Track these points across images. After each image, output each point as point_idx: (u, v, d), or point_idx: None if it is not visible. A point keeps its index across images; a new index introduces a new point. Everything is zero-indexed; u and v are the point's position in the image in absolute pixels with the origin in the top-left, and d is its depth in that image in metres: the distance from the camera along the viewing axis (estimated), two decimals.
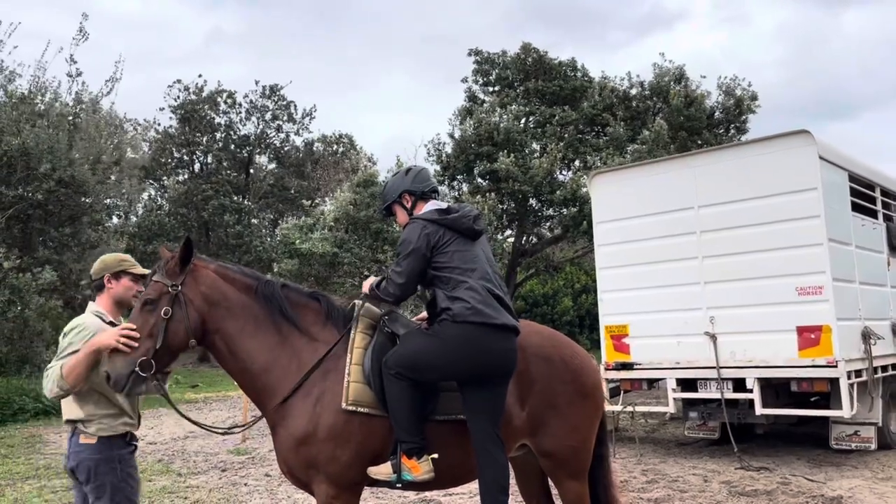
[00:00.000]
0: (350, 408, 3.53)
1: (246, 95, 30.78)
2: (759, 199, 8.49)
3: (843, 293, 8.26)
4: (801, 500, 7.00)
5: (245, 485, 8.30)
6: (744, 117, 17.76)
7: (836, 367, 7.90)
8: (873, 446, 8.77)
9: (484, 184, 17.43)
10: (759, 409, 8.39)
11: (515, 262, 18.61)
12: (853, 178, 9.08)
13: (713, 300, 8.78)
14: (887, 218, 10.08)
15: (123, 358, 3.57)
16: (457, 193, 18.65)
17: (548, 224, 19.06)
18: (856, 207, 9.10)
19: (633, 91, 18.62)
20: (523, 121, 18.64)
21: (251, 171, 31.59)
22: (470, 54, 20.14)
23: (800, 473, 8.09)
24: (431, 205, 3.83)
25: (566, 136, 17.65)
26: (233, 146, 31.03)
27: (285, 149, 32.69)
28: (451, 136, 18.01)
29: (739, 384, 8.57)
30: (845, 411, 7.93)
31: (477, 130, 17.03)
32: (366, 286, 3.85)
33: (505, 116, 16.90)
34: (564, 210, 17.11)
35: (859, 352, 8.42)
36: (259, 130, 31.53)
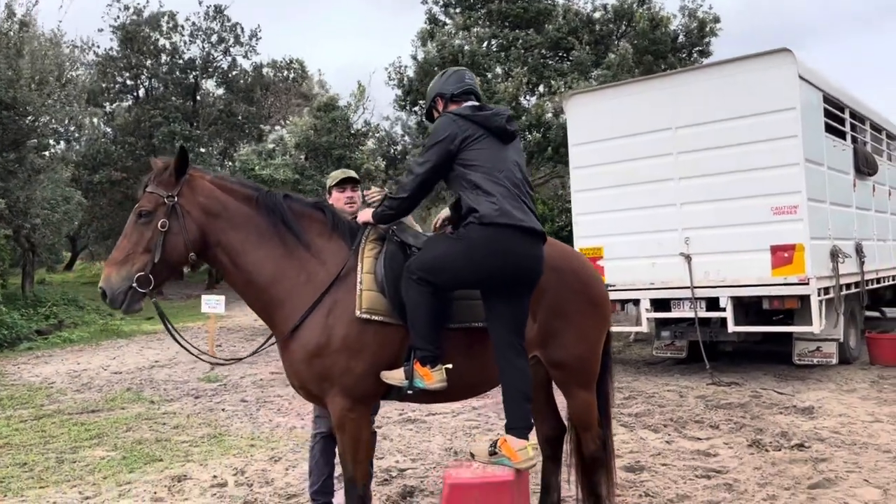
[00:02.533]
0: (364, 316, 3.40)
1: (187, 18, 29.40)
2: (737, 119, 8.48)
3: (816, 213, 8.41)
4: (775, 410, 7.23)
5: (223, 410, 8.20)
6: (707, 40, 17.68)
7: (807, 284, 8.09)
8: (834, 361, 9.12)
9: None
10: (731, 327, 8.59)
11: None
12: (826, 98, 9.14)
13: (688, 221, 8.84)
14: (853, 140, 10.23)
15: (119, 273, 3.37)
16: (419, 119, 18.27)
17: None
18: (827, 129, 9.19)
19: (597, 14, 18.31)
20: (486, 44, 18.20)
21: (198, 97, 30.39)
22: None
23: (769, 387, 8.37)
24: (466, 105, 3.63)
25: (530, 60, 17.31)
26: (178, 71, 29.72)
27: (233, 73, 31.44)
28: (414, 58, 17.51)
29: (712, 303, 8.74)
30: (815, 327, 8.17)
31: (440, 53, 16.57)
32: (363, 218, 3.67)
33: (469, 39, 16.44)
34: (528, 136, 16.94)
35: (828, 270, 8.64)
36: (205, 54, 30.23)
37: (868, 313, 11.52)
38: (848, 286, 9.34)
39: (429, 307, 3.35)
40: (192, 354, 3.86)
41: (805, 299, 8.16)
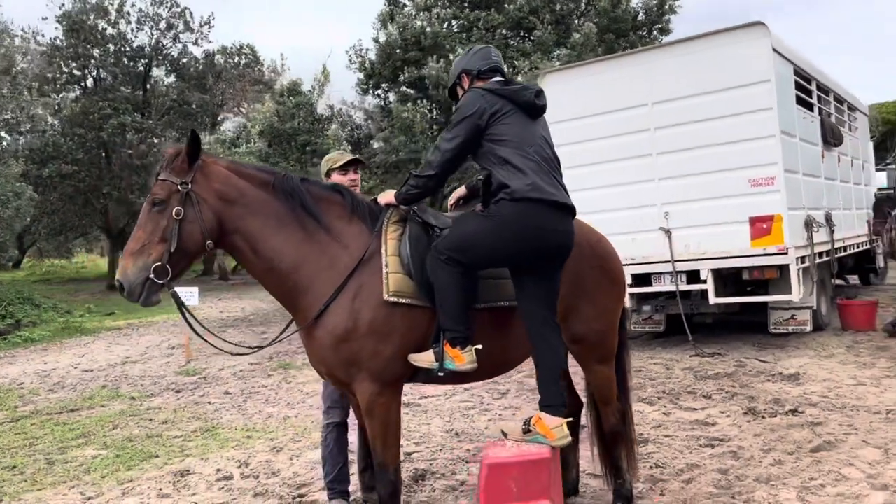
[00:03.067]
0: (392, 299, 3.33)
1: (133, 4, 28.48)
2: (712, 93, 8.56)
3: (792, 184, 8.57)
4: (762, 378, 7.39)
5: (209, 403, 8.03)
6: (666, 17, 17.84)
7: (786, 254, 8.25)
8: (809, 328, 9.34)
9: (411, 92, 16.91)
10: (712, 299, 8.72)
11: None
12: (796, 71, 9.30)
13: (667, 196, 8.93)
14: (820, 112, 10.44)
15: (136, 264, 3.25)
16: (382, 102, 18.09)
17: None
18: (797, 101, 9.35)
19: None
20: (447, 25, 18.06)
21: (148, 86, 29.55)
22: None
23: (751, 356, 8.55)
24: (492, 83, 3.56)
25: (493, 40, 17.23)
26: (126, 59, 28.84)
27: (184, 61, 30.64)
28: (376, 41, 17.27)
29: (693, 276, 8.86)
30: (794, 295, 8.35)
31: (402, 35, 16.38)
32: (386, 199, 3.59)
33: (430, 20, 16.29)
34: None
35: (803, 240, 8.83)
36: (154, 41, 29.39)
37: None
38: (820, 255, 9.57)
39: (459, 287, 3.30)
40: (216, 346, 3.76)
41: (784, 269, 8.32)
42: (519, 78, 16.72)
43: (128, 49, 28.83)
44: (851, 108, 12.75)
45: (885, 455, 4.90)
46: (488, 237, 3.28)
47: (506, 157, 3.30)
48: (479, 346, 3.37)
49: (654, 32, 17.97)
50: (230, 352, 3.98)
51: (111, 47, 28.15)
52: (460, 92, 3.67)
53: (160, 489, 5.01)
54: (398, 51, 16.56)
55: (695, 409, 6.40)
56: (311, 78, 18.56)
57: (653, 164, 8.99)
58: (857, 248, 12.15)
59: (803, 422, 5.77)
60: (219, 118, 32.32)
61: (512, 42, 18.19)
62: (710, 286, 8.67)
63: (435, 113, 16.93)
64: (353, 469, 4.61)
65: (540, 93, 3.51)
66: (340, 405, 4.46)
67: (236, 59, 32.96)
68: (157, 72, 30.73)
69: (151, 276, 3.25)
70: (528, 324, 3.39)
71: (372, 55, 17.67)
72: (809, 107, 9.99)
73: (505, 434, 3.47)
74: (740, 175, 8.42)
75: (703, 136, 8.62)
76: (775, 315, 9.45)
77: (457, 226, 3.39)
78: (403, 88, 17.16)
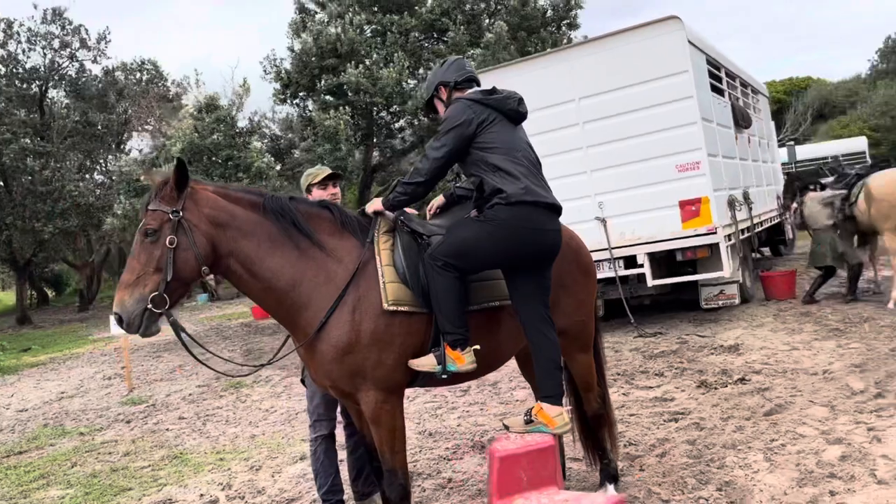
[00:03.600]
0: (392, 308, 3.44)
1: (22, 24, 27.16)
2: (635, 85, 8.98)
3: (714, 167, 9.08)
4: (706, 352, 7.83)
5: (167, 430, 7.86)
6: (573, 13, 18.41)
7: (715, 233, 8.75)
8: (737, 301, 9.92)
9: (331, 99, 16.85)
10: (650, 282, 9.15)
11: (369, 178, 18.39)
12: (708, 60, 9.84)
13: (600, 186, 9.30)
14: (730, 97, 11.07)
15: (133, 296, 3.25)
16: (302, 111, 17.93)
17: (400, 136, 18.93)
18: (711, 88, 9.90)
19: None
20: (360, 31, 18.07)
21: (46, 108, 28.24)
22: None
23: (690, 332, 9.02)
24: (470, 92, 3.70)
25: (407, 44, 17.37)
26: (19, 81, 27.47)
27: (82, 80, 29.43)
28: (291, 49, 17.10)
29: (630, 261, 9.26)
30: (726, 272, 8.86)
31: (317, 43, 16.30)
32: (373, 207, 3.70)
33: (347, 27, 16.27)
34: (416, 121, 17.05)
35: (728, 218, 9.37)
36: (48, 61, 28.10)
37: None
38: (742, 231, 10.17)
39: (456, 291, 3.44)
40: (218, 372, 3.77)
41: (714, 247, 8.82)
42: None
43: (20, 71, 27.48)
44: (754, 91, 13.55)
45: (832, 412, 5.33)
46: (487, 241, 3.43)
47: (497, 164, 3.46)
48: (477, 347, 3.52)
49: (563, 28, 18.51)
50: (236, 375, 4.00)
51: (1, 69, 26.77)
52: (438, 103, 3.81)
53: None
54: (314, 59, 16.47)
55: (651, 388, 6.75)
56: (226, 91, 18.15)
57: (584, 157, 9.35)
58: (770, 222, 12.93)
59: (752, 389, 6.19)
60: (124, 137, 31.24)
61: (426, 44, 18.39)
62: (646, 270, 9.09)
63: (357, 119, 16.93)
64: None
65: (521, 100, 3.69)
66: (327, 417, 4.52)
67: (138, 74, 31.94)
68: (54, 93, 29.47)
69: (149, 306, 3.27)
70: (525, 320, 3.56)
71: (287, 64, 17.51)
72: (721, 93, 10.58)
73: (508, 427, 3.63)
74: (667, 162, 8.87)
75: (630, 127, 9.03)
76: (706, 291, 9.98)
77: (453, 232, 3.52)
78: (323, 96, 17.08)
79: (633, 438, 5.35)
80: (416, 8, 18.33)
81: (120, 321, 3.28)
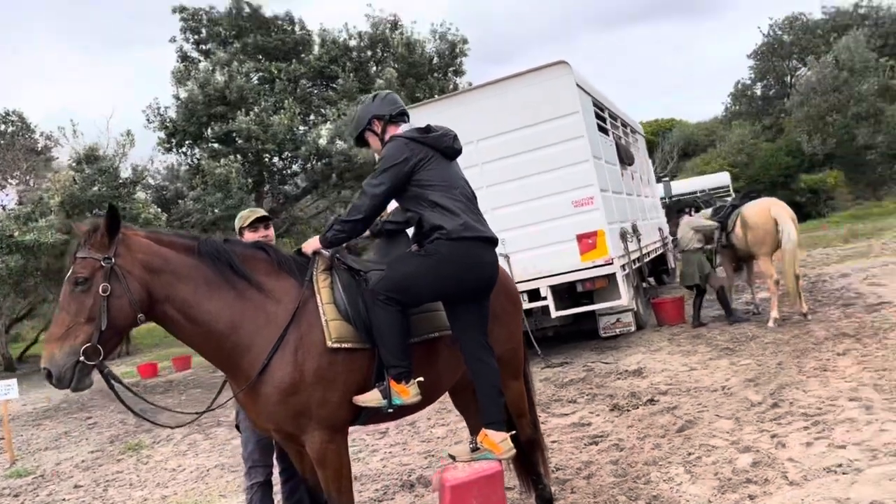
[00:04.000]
0: (335, 345, 3.44)
1: None
2: (529, 127, 9.40)
3: (607, 202, 9.59)
4: (612, 377, 8.16)
5: (63, 500, 7.33)
6: (458, 60, 19.04)
7: (612, 264, 9.20)
8: (633, 328, 10.43)
9: (220, 147, 16.54)
10: (553, 313, 9.47)
11: None
12: (594, 102, 10.45)
13: (502, 224, 9.53)
14: (614, 136, 11.76)
15: (63, 349, 3.11)
16: (189, 161, 17.49)
17: (293, 181, 18.75)
18: (598, 128, 10.49)
19: (353, 42, 18.86)
20: (245, 78, 17.93)
21: None
22: (175, 11, 18.66)
23: (594, 360, 9.37)
24: (404, 127, 3.78)
25: (297, 91, 17.38)
26: None
27: None
28: (176, 97, 16.70)
29: (534, 294, 9.56)
30: (624, 300, 9.32)
31: (204, 91, 16.02)
32: (311, 246, 3.71)
33: (235, 74, 16.11)
34: (309, 166, 16.98)
35: (622, 250, 9.88)
36: None
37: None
38: (633, 262, 10.74)
39: (399, 325, 3.49)
40: (156, 424, 3.61)
41: (612, 277, 9.27)
42: (328, 125, 17.03)
43: None
44: (633, 130, 14.45)
45: (737, 423, 5.70)
46: (429, 275, 3.51)
47: (436, 201, 3.56)
48: (421, 379, 3.57)
49: (450, 74, 19.10)
50: (177, 426, 3.84)
51: None
52: (369, 136, 3.88)
53: None
54: (201, 106, 16.17)
55: (566, 414, 6.96)
56: (102, 141, 17.37)
57: (485, 196, 9.54)
58: (656, 252, 13.70)
59: (662, 408, 6.51)
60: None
61: (316, 91, 18.46)
62: (550, 302, 9.42)
63: (248, 166, 16.69)
64: None
65: (456, 137, 3.82)
66: (262, 464, 4.41)
67: (2, 126, 30.12)
68: None
69: (82, 358, 3.13)
70: (466, 349, 3.65)
71: (172, 112, 17.08)
72: (605, 132, 11.22)
73: (453, 457, 3.68)
74: (563, 198, 9.29)
75: (526, 166, 9.41)
76: (603, 320, 10.43)
77: (394, 267, 3.57)
78: (211, 144, 16.75)
79: (559, 463, 5.49)
80: (304, 56, 18.42)
81: (49, 376, 3.12)
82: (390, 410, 3.50)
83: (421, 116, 9.96)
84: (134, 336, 30.59)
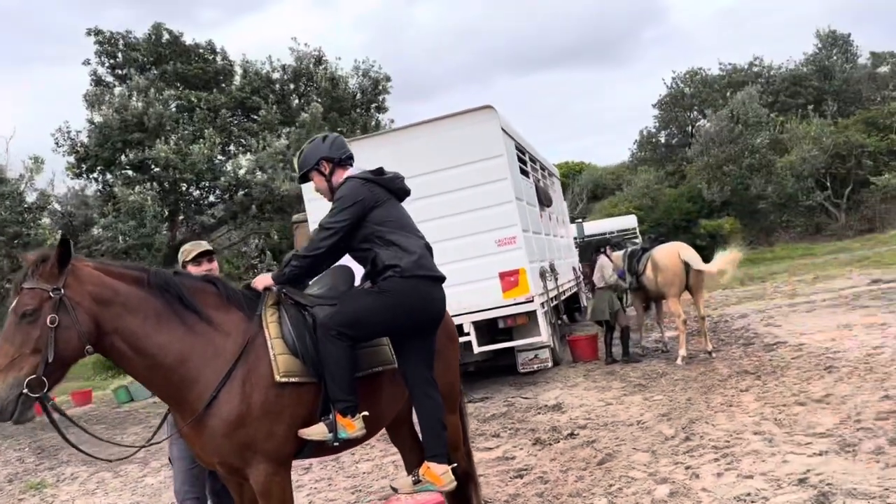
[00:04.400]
0: (283, 379, 3.50)
1: None
2: (456, 167, 9.69)
3: (528, 241, 9.95)
4: (532, 413, 8.40)
5: None
6: (381, 97, 19.32)
7: (532, 301, 9.53)
8: (550, 364, 10.76)
9: (134, 174, 16.11)
10: (476, 349, 9.69)
11: (174, 254, 17.52)
12: (517, 146, 10.87)
13: None
14: (533, 178, 12.23)
15: (5, 381, 3.07)
16: (100, 187, 16.93)
17: (210, 212, 18.39)
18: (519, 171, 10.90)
19: (276, 75, 18.86)
20: (163, 105, 17.61)
21: None
22: (89, 34, 18.17)
23: (515, 395, 9.61)
24: (351, 171, 3.91)
25: (216, 120, 17.19)
26: None
27: None
28: (91, 122, 16.21)
29: (458, 329, 9.73)
30: (544, 337, 9.65)
31: (121, 115, 15.63)
32: (262, 282, 3.77)
33: (154, 101, 15.80)
34: (227, 195, 16.74)
35: (541, 288, 10.24)
36: None
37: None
38: (551, 299, 11.12)
39: (348, 360, 3.59)
40: (98, 459, 3.54)
41: (532, 314, 9.59)
42: (248, 155, 16.90)
43: None
44: (550, 173, 15.03)
45: (654, 456, 6.01)
46: (381, 311, 3.64)
47: (391, 240, 3.71)
48: (367, 413, 3.67)
49: (373, 111, 19.34)
50: (108, 459, 3.77)
51: None
52: (315, 176, 3.99)
53: None
54: (117, 132, 15.77)
55: (490, 448, 7.13)
56: (2, 161, 16.57)
57: None
58: (570, 291, 14.20)
59: (582, 442, 6.77)
60: None
61: (236, 121, 18.31)
62: (472, 337, 9.63)
63: (163, 195, 16.31)
64: None
65: (403, 179, 3.99)
66: (193, 495, 4.37)
67: None
68: None
69: (25, 390, 3.08)
70: (412, 383, 3.77)
71: (84, 137, 16.56)
72: (526, 174, 11.66)
73: (395, 490, 3.78)
74: (487, 237, 9.58)
75: (452, 205, 9.66)
76: (522, 356, 10.72)
77: (346, 303, 3.68)
78: (125, 171, 16.30)
79: (487, 496, 5.63)
80: (225, 86, 18.28)
81: None
82: (336, 444, 3.58)
83: (352, 151, 10.12)
84: None
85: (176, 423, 3.63)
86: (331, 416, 3.58)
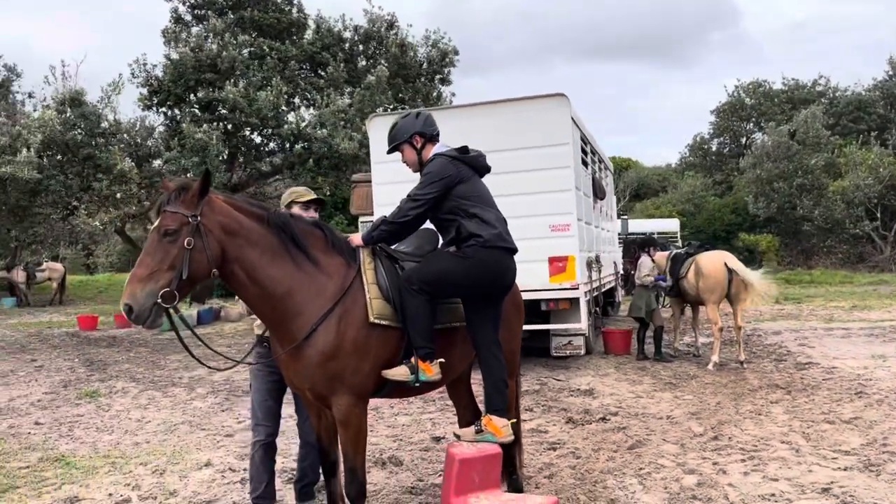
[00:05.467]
0: (375, 321, 3.89)
1: None
2: (521, 149, 9.93)
3: (580, 230, 10.21)
4: (565, 394, 8.75)
5: (30, 434, 7.48)
6: (447, 70, 19.52)
7: (577, 289, 9.82)
8: (582, 352, 11.05)
9: (201, 114, 16.59)
10: None
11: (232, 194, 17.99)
12: (581, 136, 11.08)
13: None
14: (591, 170, 12.44)
15: (144, 290, 3.47)
16: (169, 122, 17.46)
17: (268, 159, 18.87)
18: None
19: (347, 34, 19.16)
20: (237, 50, 18.02)
21: None
22: None
23: (546, 376, 9.96)
24: (439, 146, 4.27)
25: (285, 71, 17.56)
26: None
27: None
28: (168, 58, 16.69)
29: None
30: (583, 324, 9.95)
31: (196, 56, 16.08)
32: (355, 241, 4.13)
33: (228, 45, 16.21)
34: (287, 145, 17.18)
35: (587, 277, 10.51)
36: None
37: None
38: (593, 290, 11.40)
39: (427, 312, 3.97)
40: (209, 367, 3.95)
41: (575, 301, 9.89)
42: (311, 110, 17.28)
43: None
44: (606, 167, 15.20)
45: (682, 449, 6.32)
46: (460, 274, 4.01)
47: (474, 213, 4.09)
48: (443, 360, 4.04)
49: (436, 81, 19.55)
50: (216, 368, 4.19)
51: None
52: (406, 148, 4.35)
53: None
54: (191, 70, 16.22)
55: (525, 420, 7.48)
56: (71, 85, 17.06)
57: None
58: (609, 284, 14.45)
59: (613, 427, 7.11)
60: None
61: (304, 75, 18.67)
62: None
63: (226, 137, 16.77)
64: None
65: (485, 157, 4.34)
66: (264, 423, 4.75)
67: None
68: None
69: (159, 300, 3.48)
70: (479, 343, 4.15)
71: (158, 72, 17.05)
72: (586, 165, 11.88)
73: (458, 437, 4.16)
74: (542, 221, 9.85)
75: (513, 185, 9.90)
76: (556, 340, 11.02)
77: (431, 262, 4.06)
78: (193, 109, 16.78)
79: (521, 462, 6.00)
80: (297, 38, 18.62)
81: (129, 312, 3.46)
82: (417, 385, 3.97)
83: None
84: (69, 287, 29.97)
85: (273, 349, 4.04)
86: (412, 360, 3.95)
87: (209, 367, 4.15)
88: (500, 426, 4.10)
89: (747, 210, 34.60)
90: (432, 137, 4.33)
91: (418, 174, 4.29)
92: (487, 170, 4.36)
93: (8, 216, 14.53)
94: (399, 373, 3.94)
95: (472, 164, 4.23)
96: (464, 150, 4.29)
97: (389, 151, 4.55)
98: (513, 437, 4.20)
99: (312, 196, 4.81)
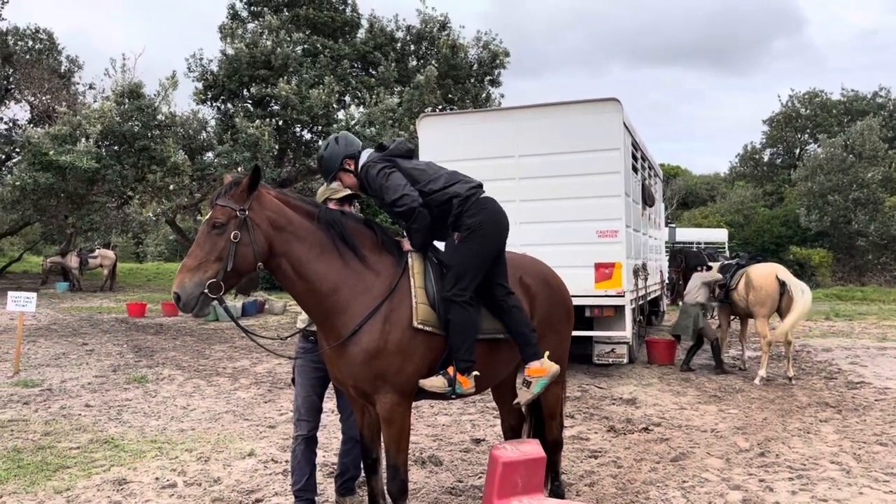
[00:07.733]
0: (419, 326, 3.89)
1: None
2: (571, 153, 9.87)
3: (628, 237, 10.09)
4: (607, 402, 8.65)
5: (81, 415, 7.68)
6: (497, 71, 19.49)
7: (623, 296, 9.70)
8: (625, 361, 10.91)
9: (254, 109, 16.86)
10: None
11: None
12: (633, 142, 10.95)
13: (526, 239, 10.02)
14: (641, 176, 12.28)
15: (192, 279, 3.53)
16: (222, 116, 17.77)
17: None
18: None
19: (399, 34, 19.27)
20: (291, 48, 18.26)
21: None
22: None
23: (588, 383, 9.87)
24: (364, 156, 4.29)
25: (338, 70, 17.74)
26: None
27: None
28: (223, 53, 17.00)
29: None
30: (627, 332, 9.82)
31: (251, 51, 16.35)
32: (407, 246, 4.18)
33: (283, 42, 16.44)
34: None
35: (633, 285, 10.38)
36: None
37: None
38: (638, 298, 11.25)
39: (474, 324, 3.96)
40: (267, 350, 4.00)
41: (620, 309, 9.77)
42: (361, 108, 17.41)
43: None
44: (655, 174, 14.99)
45: (727, 463, 6.20)
46: (474, 252, 4.09)
47: (434, 187, 4.20)
48: (478, 374, 4.02)
49: (486, 83, 19.53)
50: (274, 352, 4.25)
51: None
52: (344, 175, 4.36)
53: (109, 497, 4.97)
54: (246, 66, 16.49)
55: (566, 427, 7.41)
56: (116, 77, 17.40)
57: (516, 210, 10.02)
58: (654, 293, 14.25)
59: (656, 438, 7.00)
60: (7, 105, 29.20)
61: (355, 73, 18.83)
62: None
63: (278, 133, 17.01)
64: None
65: (404, 141, 4.49)
66: (307, 418, 4.77)
67: (30, 43, 30.14)
68: None
69: (206, 290, 3.54)
70: (499, 297, 4.15)
71: (213, 66, 17.37)
72: (636, 171, 11.73)
73: (520, 406, 4.20)
74: (589, 226, 9.77)
75: (561, 189, 9.88)
76: (598, 347, 10.90)
77: (452, 267, 4.05)
78: (246, 104, 17.06)
79: (562, 469, 5.95)
80: (350, 37, 18.78)
81: (178, 300, 3.53)
82: (453, 397, 3.96)
83: (467, 123, 10.46)
84: (119, 274, 30.74)
85: (319, 343, 4.07)
86: (450, 372, 3.94)
87: (268, 351, 4.21)
88: (539, 366, 4.16)
89: (798, 223, 33.77)
90: (358, 154, 4.32)
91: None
92: (412, 150, 4.36)
93: (66, 203, 14.98)
94: (436, 384, 3.93)
95: (397, 154, 4.25)
96: (380, 147, 4.34)
97: (328, 183, 4.51)
98: (557, 367, 4.25)
99: (345, 193, 4.76)
